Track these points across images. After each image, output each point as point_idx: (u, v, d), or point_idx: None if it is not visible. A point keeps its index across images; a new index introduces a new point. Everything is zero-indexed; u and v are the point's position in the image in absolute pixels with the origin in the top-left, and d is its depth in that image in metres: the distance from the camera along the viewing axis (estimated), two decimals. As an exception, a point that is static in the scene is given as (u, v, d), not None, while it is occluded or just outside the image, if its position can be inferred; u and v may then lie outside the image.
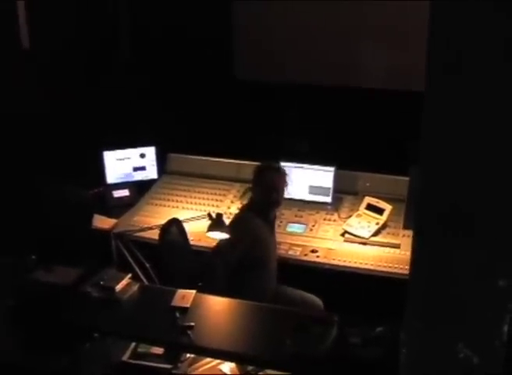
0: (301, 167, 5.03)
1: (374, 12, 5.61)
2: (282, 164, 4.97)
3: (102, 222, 4.88)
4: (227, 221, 4.10)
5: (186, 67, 5.90)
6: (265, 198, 4.13)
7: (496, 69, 1.83)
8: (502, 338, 2.01)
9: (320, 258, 4.43)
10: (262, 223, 4.12)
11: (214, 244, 4.10)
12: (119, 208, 5.10)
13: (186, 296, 3.36)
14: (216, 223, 3.76)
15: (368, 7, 5.56)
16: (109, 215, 4.99)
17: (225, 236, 3.75)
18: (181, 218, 4.39)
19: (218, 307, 3.43)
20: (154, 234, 4.32)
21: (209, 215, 3.90)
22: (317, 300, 4.31)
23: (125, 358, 3.24)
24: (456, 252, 2.04)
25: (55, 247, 4.41)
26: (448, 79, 1.90)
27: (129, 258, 4.14)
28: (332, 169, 4.97)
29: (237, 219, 4.18)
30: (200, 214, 4.37)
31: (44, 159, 5.19)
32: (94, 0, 5.71)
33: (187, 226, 4.36)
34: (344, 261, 4.38)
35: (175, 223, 4.27)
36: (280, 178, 4.21)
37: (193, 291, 3.41)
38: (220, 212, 4.11)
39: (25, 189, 4.78)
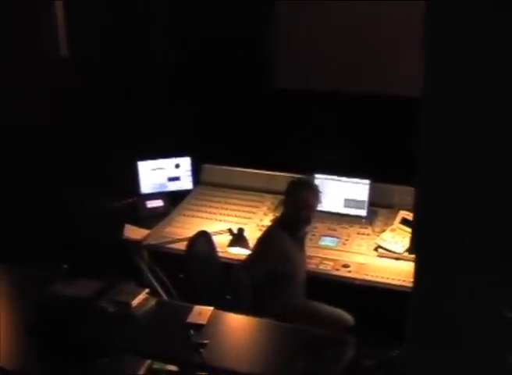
0: (336, 179, 4.92)
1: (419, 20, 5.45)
2: (317, 176, 4.91)
3: (134, 232, 4.84)
4: (250, 236, 4.03)
5: (223, 77, 5.85)
6: (296, 215, 4.06)
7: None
8: (506, 368, 1.90)
9: (352, 273, 4.32)
10: (291, 239, 4.04)
11: (243, 257, 4.04)
12: (152, 218, 5.08)
13: (202, 313, 3.30)
14: (237, 238, 3.69)
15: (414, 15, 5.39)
16: (142, 225, 4.96)
17: (245, 252, 3.68)
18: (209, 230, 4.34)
19: (234, 325, 3.36)
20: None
21: (230, 230, 3.84)
22: (347, 316, 4.19)
23: (140, 373, 3.19)
24: (462, 278, 1.93)
25: (84, 257, 4.42)
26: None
27: (148, 273, 4.09)
28: (367, 181, 4.85)
29: (266, 234, 4.11)
30: (232, 226, 4.31)
31: (79, 169, 5.23)
32: (132, 9, 5.72)
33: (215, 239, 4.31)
34: (376, 276, 4.26)
35: (203, 236, 4.21)
36: (313, 195, 4.12)
37: (211, 308, 3.35)
38: (242, 226, 4.03)
39: (56, 199, 4.81)
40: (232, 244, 3.72)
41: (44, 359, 3.19)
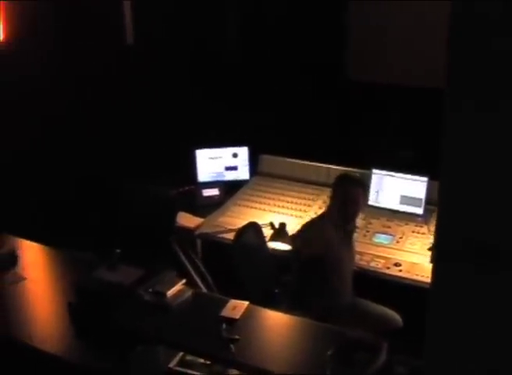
0: (393, 175, 4.81)
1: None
2: (375, 171, 4.82)
3: (188, 220, 4.90)
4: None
5: (283, 67, 5.79)
6: (341, 210, 3.98)
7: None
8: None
9: (402, 272, 4.22)
10: (335, 234, 3.97)
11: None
12: (208, 207, 5.10)
13: (237, 307, 3.28)
14: (279, 233, 3.65)
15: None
16: (197, 213, 5.00)
17: (287, 247, 3.64)
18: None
19: (267, 321, 3.32)
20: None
21: (271, 224, 3.80)
22: (396, 316, 4.11)
23: (172, 364, 3.21)
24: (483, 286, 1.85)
25: (137, 243, 4.48)
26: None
27: (188, 264, 4.10)
28: (425, 179, 4.71)
29: (311, 224, 4.05)
30: (286, 219, 4.27)
31: (139, 156, 5.30)
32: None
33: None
34: (427, 277, 4.13)
35: (252, 227, 4.20)
36: (359, 191, 4.03)
37: (246, 302, 3.32)
38: (284, 221, 3.98)
39: (115, 187, 4.89)
40: (272, 238, 3.68)
41: (80, 344, 3.25)
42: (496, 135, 1.77)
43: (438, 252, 1.89)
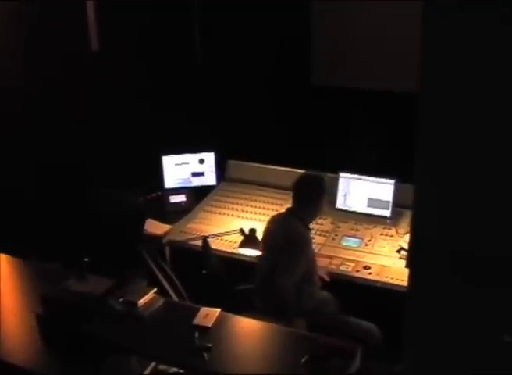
0: (360, 179, 4.83)
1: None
2: (342, 175, 4.84)
3: (156, 227, 4.86)
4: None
5: (249, 73, 5.78)
6: (311, 209, 4.07)
7: None
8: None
9: (372, 275, 4.24)
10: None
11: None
12: (176, 213, 5.07)
13: (209, 314, 3.25)
14: (249, 239, 3.63)
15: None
16: (165, 220, 4.97)
17: (257, 253, 3.62)
18: (219, 231, 4.35)
19: (240, 328, 3.30)
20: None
21: (242, 231, 3.77)
22: (376, 331, 4.11)
23: (145, 373, 3.17)
24: (459, 298, 1.85)
25: (105, 252, 4.42)
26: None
27: (157, 272, 4.06)
28: (392, 181, 4.74)
29: (294, 234, 4.03)
30: (255, 224, 4.25)
31: (104, 164, 5.24)
32: (164, 2, 5.69)
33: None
34: (397, 279, 4.16)
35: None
36: (324, 190, 4.11)
37: (218, 310, 3.30)
38: (253, 227, 3.96)
39: (81, 194, 4.83)
40: (243, 244, 3.66)
41: (51, 355, 3.19)
42: (470, 139, 1.77)
43: (413, 259, 1.88)
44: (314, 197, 4.11)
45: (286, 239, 3.94)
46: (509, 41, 1.64)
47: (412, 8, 5.18)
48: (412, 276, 1.94)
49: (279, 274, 3.83)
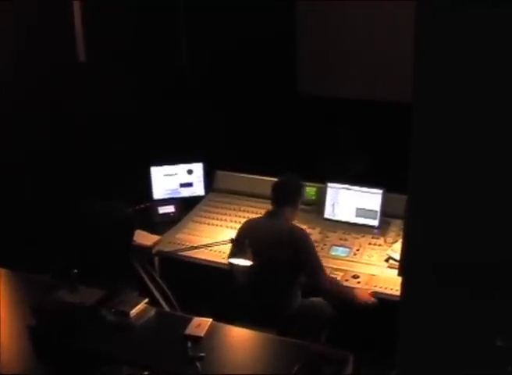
0: (348, 188, 4.86)
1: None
2: (330, 185, 4.87)
3: (145, 238, 4.85)
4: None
5: (239, 83, 5.82)
6: (293, 211, 4.20)
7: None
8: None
9: (361, 284, 4.26)
10: None
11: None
12: (164, 224, 5.07)
13: (201, 324, 3.26)
14: (239, 249, 3.65)
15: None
16: (154, 231, 4.97)
17: (248, 263, 3.63)
18: (208, 241, 4.39)
19: (232, 338, 3.32)
20: (196, 254, 4.43)
21: (232, 240, 3.79)
22: (325, 305, 4.21)
23: (138, 385, 3.16)
24: (451, 305, 1.87)
25: (95, 263, 4.41)
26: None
27: (148, 282, 4.07)
28: (380, 191, 4.78)
29: (302, 235, 4.12)
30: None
31: (92, 175, 5.24)
32: (150, 14, 5.71)
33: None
34: (386, 288, 4.20)
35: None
36: (297, 193, 4.25)
37: (210, 320, 3.31)
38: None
39: (69, 205, 4.82)
40: (232, 254, 3.68)
41: (42, 366, 3.18)
42: (464, 147, 1.80)
43: (405, 267, 1.91)
44: (292, 198, 4.20)
45: (290, 240, 4.01)
46: (505, 45, 1.66)
47: (400, 20, 5.32)
48: (405, 284, 1.96)
49: (313, 278, 3.99)
